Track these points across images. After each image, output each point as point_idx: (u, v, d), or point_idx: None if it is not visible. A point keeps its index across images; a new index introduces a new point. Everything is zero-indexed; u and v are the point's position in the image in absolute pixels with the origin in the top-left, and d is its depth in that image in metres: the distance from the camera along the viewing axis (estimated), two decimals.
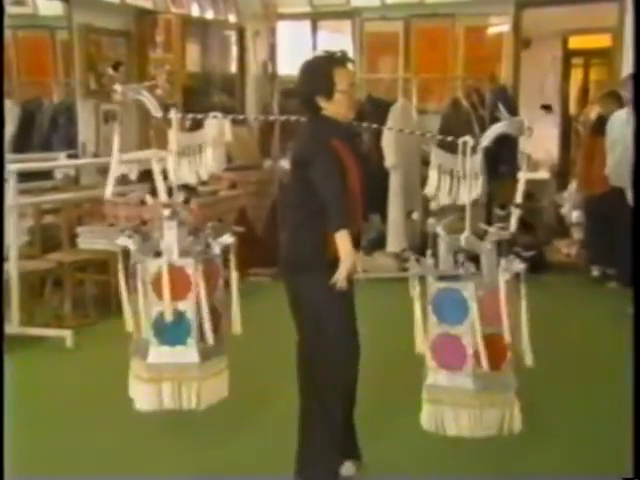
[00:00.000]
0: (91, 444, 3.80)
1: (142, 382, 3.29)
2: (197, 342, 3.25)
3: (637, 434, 2.55)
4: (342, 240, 3.07)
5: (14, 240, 5.26)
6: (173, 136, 3.43)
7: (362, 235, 3.71)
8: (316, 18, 8.80)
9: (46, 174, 6.43)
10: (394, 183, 7.14)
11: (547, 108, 7.33)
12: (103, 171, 6.89)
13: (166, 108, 7.69)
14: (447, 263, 3.26)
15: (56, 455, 3.71)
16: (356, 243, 3.46)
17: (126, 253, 3.36)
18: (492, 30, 8.45)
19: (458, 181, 3.34)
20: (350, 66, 3.35)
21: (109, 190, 3.52)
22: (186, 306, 3.23)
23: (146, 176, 6.86)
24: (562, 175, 8.74)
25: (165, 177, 3.55)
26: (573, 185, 7.82)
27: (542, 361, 3.98)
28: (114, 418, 4.05)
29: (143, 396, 3.30)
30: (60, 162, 6.60)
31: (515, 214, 3.32)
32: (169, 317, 3.20)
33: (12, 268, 5.23)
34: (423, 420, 3.24)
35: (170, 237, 3.28)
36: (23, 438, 3.77)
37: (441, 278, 3.22)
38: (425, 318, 3.21)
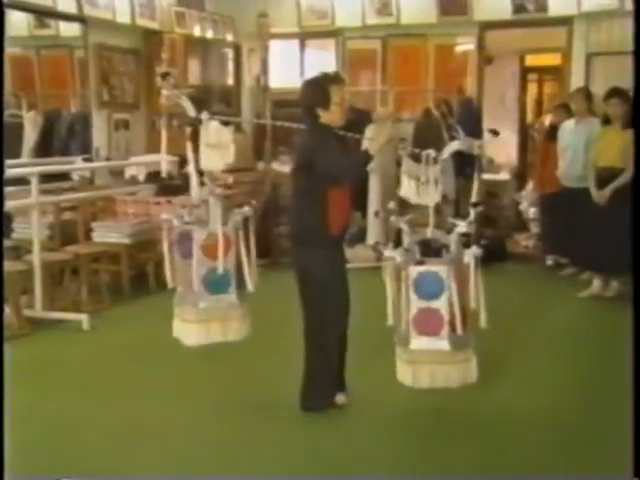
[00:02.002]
0: (102, 413, 3.83)
1: (192, 324, 3.80)
2: (236, 289, 3.77)
3: (637, 434, 2.44)
4: (370, 150, 3.52)
5: (37, 234, 5.27)
6: (204, 133, 3.71)
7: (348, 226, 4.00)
8: (304, 37, 8.78)
9: (65, 176, 6.44)
10: (373, 184, 7.16)
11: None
12: (118, 173, 7.00)
13: (171, 116, 7.77)
14: (411, 252, 3.61)
15: (71, 421, 3.73)
16: (345, 232, 3.80)
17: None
18: (459, 48, 8.49)
19: (423, 185, 3.66)
20: (342, 84, 3.66)
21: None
22: (228, 263, 3.70)
23: (153, 177, 6.95)
24: (520, 176, 8.75)
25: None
26: (530, 185, 7.83)
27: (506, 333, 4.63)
28: (125, 391, 4.11)
29: (194, 335, 3.80)
30: (77, 165, 6.61)
31: (473, 211, 3.69)
32: (218, 271, 3.68)
33: (35, 259, 5.24)
34: (402, 377, 3.60)
35: (216, 211, 3.72)
36: (44, 407, 3.84)
37: (420, 263, 3.54)
38: (399, 296, 3.53)
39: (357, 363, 3.96)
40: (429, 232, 3.68)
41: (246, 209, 3.84)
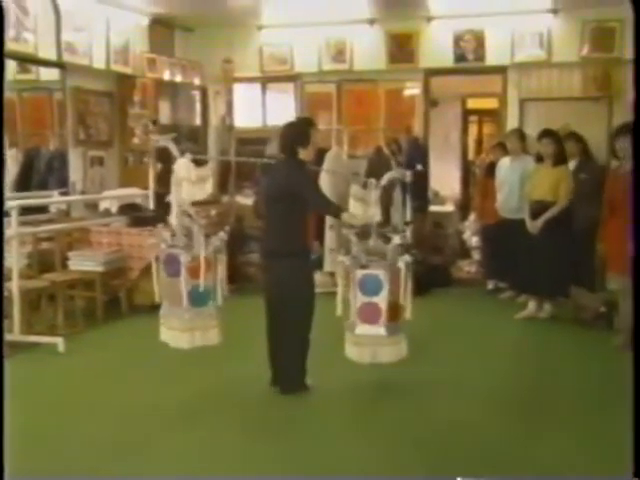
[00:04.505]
0: (77, 429, 3.81)
1: (179, 331, 4.11)
2: (213, 302, 4.12)
3: (637, 434, 2.42)
4: (344, 217, 4.16)
5: (16, 263, 5.23)
6: (184, 169, 4.03)
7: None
8: (265, 81, 8.88)
9: (43, 208, 6.43)
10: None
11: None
12: (92, 206, 7.00)
13: (142, 154, 7.80)
14: (359, 257, 4.18)
15: (49, 438, 3.71)
16: (311, 245, 4.42)
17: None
18: (407, 92, 8.65)
19: (367, 206, 4.29)
20: (316, 127, 4.33)
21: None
22: (208, 281, 4.04)
23: (125, 209, 6.93)
24: (463, 208, 8.83)
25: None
26: (472, 216, 7.92)
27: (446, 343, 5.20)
28: (98, 408, 4.10)
29: (181, 340, 4.12)
30: (54, 199, 6.61)
31: (409, 228, 4.44)
32: (201, 288, 4.03)
33: (14, 286, 5.19)
34: (351, 355, 4.20)
35: (199, 238, 4.07)
36: (22, 427, 3.79)
37: (364, 267, 4.12)
38: (348, 293, 4.12)
39: (320, 354, 4.39)
40: (371, 242, 4.25)
41: (222, 234, 4.15)
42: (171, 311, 4.13)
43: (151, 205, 4.23)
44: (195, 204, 4.26)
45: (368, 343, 4.15)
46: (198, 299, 4.07)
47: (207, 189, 4.14)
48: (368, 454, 3.50)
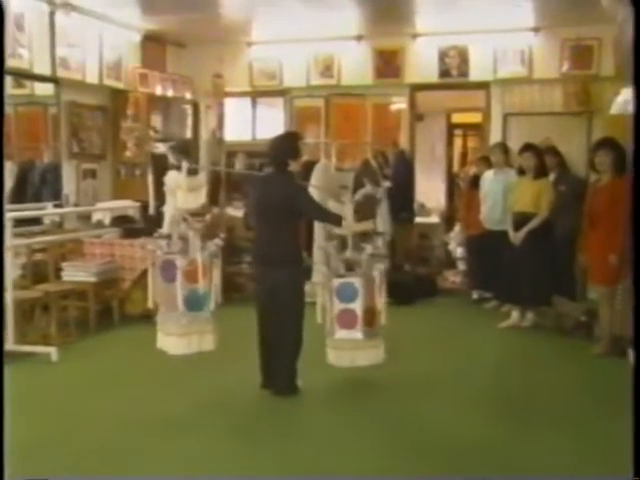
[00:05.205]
0: (73, 438, 3.81)
1: (176, 337, 4.19)
2: (209, 307, 4.20)
3: (637, 434, 2.42)
4: (345, 225, 4.29)
5: (10, 274, 5.24)
6: (175, 179, 4.12)
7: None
8: (255, 96, 8.96)
9: (37, 220, 6.45)
10: (317, 226, 7.26)
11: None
12: (85, 218, 7.02)
13: (135, 165, 7.81)
14: (337, 267, 4.45)
15: (42, 447, 3.70)
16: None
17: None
18: (393, 107, 8.72)
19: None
20: (303, 140, 4.54)
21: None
22: (203, 285, 4.15)
23: (117, 221, 6.96)
24: (449, 219, 8.86)
25: None
26: (457, 227, 7.95)
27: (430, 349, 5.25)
28: (91, 417, 4.10)
29: (177, 345, 4.18)
30: (48, 211, 6.65)
31: (380, 238, 4.63)
32: (199, 292, 4.14)
33: (8, 297, 5.18)
34: (330, 359, 4.42)
35: (195, 243, 4.17)
36: (15, 435, 3.80)
37: (340, 276, 4.37)
38: (329, 301, 4.33)
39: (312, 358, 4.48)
40: (348, 253, 4.47)
41: (217, 240, 4.24)
42: (168, 316, 4.18)
43: (151, 210, 4.30)
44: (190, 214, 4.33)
45: (347, 347, 4.36)
46: (194, 303, 4.14)
47: (201, 198, 4.22)
48: (363, 453, 3.55)
